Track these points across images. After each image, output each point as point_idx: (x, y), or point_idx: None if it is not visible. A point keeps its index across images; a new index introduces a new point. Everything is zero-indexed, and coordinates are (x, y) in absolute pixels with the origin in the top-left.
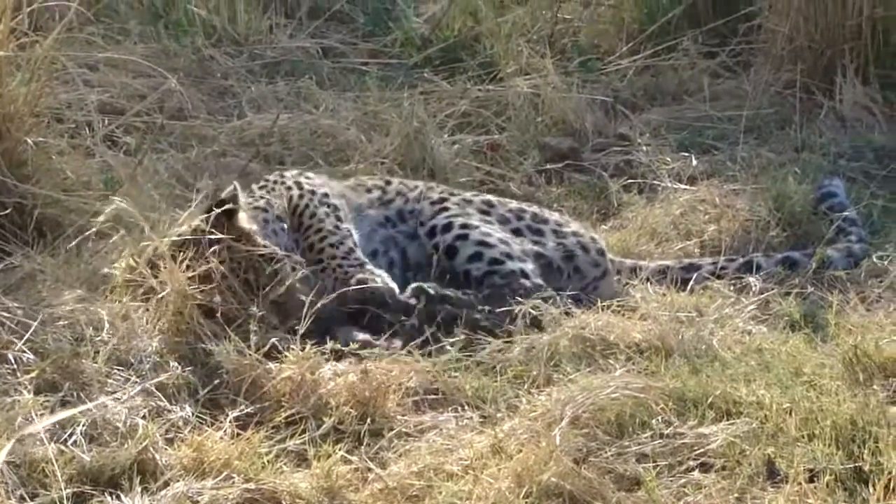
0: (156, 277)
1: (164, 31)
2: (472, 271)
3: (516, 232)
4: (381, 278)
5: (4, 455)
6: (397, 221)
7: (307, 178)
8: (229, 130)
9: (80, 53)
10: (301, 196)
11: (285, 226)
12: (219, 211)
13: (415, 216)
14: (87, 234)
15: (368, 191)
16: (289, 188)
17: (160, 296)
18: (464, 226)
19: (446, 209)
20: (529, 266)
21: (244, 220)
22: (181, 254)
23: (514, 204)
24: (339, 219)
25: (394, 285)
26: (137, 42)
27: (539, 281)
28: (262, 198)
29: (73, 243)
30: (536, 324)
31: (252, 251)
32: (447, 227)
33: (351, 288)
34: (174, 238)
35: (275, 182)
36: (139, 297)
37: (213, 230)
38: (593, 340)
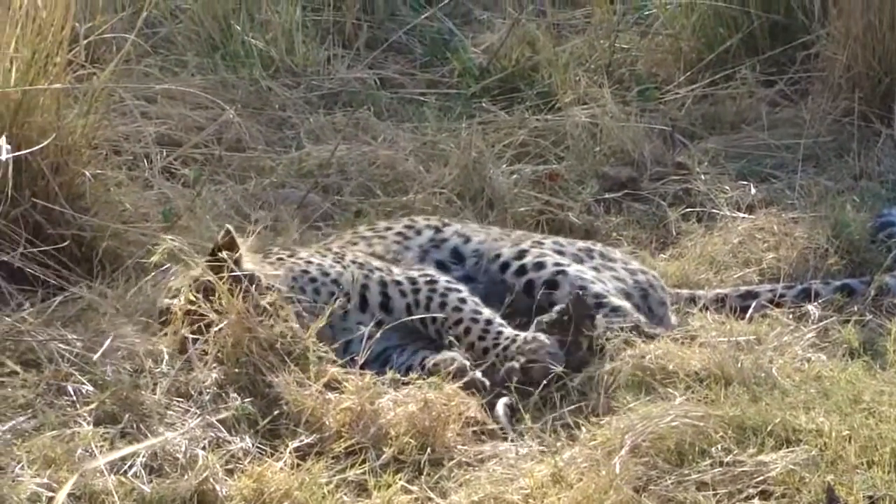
0: (217, 313)
1: (221, 62)
2: None
3: (596, 270)
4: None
5: (67, 489)
6: (451, 265)
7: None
8: (287, 161)
9: (137, 85)
10: (416, 290)
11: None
12: (215, 256)
13: (481, 260)
14: (143, 264)
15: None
16: (398, 283)
17: (218, 327)
18: (557, 263)
19: (527, 251)
20: (627, 303)
21: (248, 261)
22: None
23: (580, 243)
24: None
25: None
26: (195, 73)
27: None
28: (333, 262)
29: (144, 280)
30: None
31: (252, 295)
32: (540, 265)
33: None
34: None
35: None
36: (196, 330)
37: (215, 274)
38: (653, 369)
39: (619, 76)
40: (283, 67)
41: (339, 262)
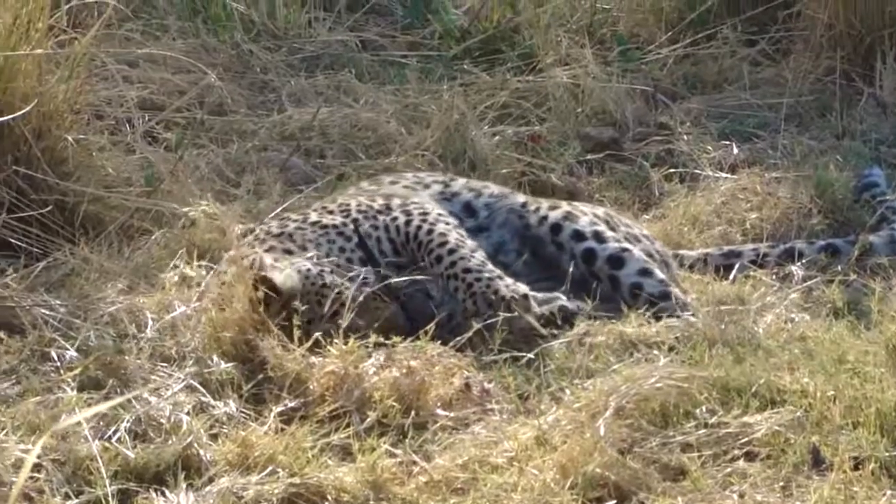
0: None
1: (202, 26)
2: (644, 286)
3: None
4: (522, 291)
5: (38, 449)
6: (464, 217)
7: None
8: (269, 125)
9: (119, 50)
10: (408, 222)
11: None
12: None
13: (492, 210)
14: (127, 229)
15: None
16: (394, 218)
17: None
18: (616, 239)
19: (574, 214)
20: (679, 292)
21: (285, 282)
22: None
23: (598, 208)
24: (461, 234)
25: (530, 294)
26: (176, 38)
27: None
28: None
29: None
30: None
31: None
32: (600, 237)
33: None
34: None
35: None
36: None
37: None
38: (631, 335)
39: (600, 37)
40: (265, 30)
41: (346, 216)
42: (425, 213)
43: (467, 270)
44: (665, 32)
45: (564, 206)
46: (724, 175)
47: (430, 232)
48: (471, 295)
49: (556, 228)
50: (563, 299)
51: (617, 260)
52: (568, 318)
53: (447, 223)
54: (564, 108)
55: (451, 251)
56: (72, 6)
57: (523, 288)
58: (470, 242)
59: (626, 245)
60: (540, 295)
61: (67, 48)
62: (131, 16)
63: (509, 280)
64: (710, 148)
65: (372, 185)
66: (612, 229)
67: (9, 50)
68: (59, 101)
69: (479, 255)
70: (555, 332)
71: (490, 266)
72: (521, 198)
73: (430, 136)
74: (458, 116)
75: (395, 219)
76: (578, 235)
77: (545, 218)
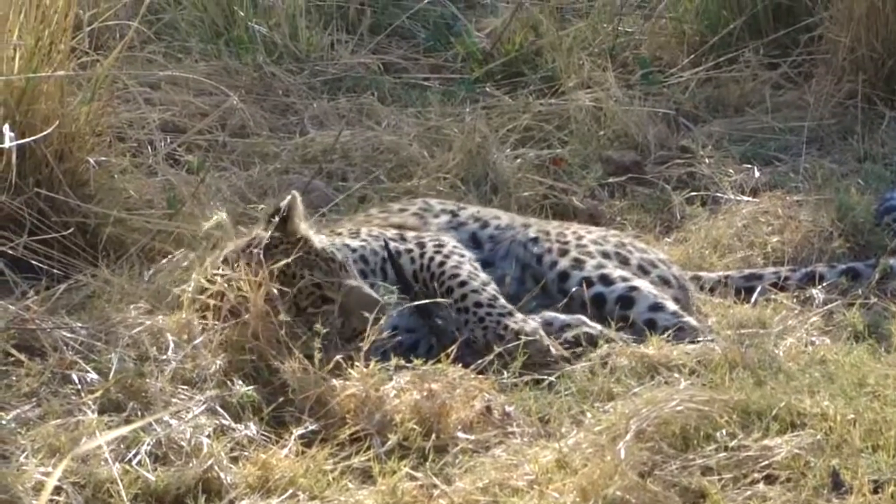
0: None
1: (225, 48)
2: (658, 321)
3: (643, 271)
4: (532, 327)
5: (59, 472)
6: (470, 248)
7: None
8: (291, 147)
9: (141, 72)
10: (422, 254)
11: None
12: (276, 218)
13: (496, 242)
14: (148, 251)
15: (436, 216)
16: (409, 250)
17: (242, 319)
18: (624, 277)
19: (583, 261)
20: (694, 319)
21: (302, 226)
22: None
23: (611, 238)
24: (475, 266)
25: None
26: (198, 60)
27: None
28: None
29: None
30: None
31: (309, 252)
32: (606, 279)
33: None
34: (234, 248)
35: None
36: (206, 315)
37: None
38: (652, 357)
39: (622, 60)
40: (287, 53)
41: (355, 238)
42: (440, 245)
43: (478, 305)
44: (687, 56)
45: (573, 251)
46: (745, 198)
47: (442, 264)
48: (483, 329)
49: (564, 277)
50: (586, 323)
51: (627, 300)
52: (591, 342)
53: (461, 255)
54: (586, 131)
55: (463, 283)
56: (94, 28)
57: (533, 324)
58: (482, 276)
59: (634, 283)
60: (563, 316)
61: (89, 70)
62: (153, 38)
63: (519, 316)
64: (731, 171)
65: (382, 212)
66: (624, 261)
67: (31, 72)
68: (81, 123)
69: (490, 289)
70: (576, 352)
71: (502, 301)
72: (532, 232)
73: (452, 159)
74: (480, 139)
75: (409, 250)
76: (585, 282)
77: (555, 263)
